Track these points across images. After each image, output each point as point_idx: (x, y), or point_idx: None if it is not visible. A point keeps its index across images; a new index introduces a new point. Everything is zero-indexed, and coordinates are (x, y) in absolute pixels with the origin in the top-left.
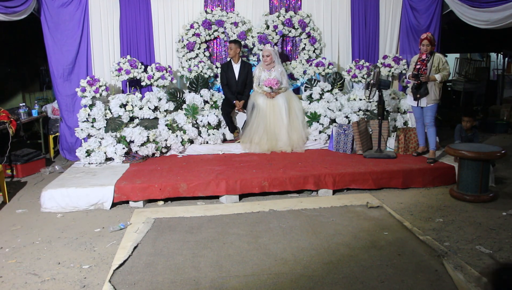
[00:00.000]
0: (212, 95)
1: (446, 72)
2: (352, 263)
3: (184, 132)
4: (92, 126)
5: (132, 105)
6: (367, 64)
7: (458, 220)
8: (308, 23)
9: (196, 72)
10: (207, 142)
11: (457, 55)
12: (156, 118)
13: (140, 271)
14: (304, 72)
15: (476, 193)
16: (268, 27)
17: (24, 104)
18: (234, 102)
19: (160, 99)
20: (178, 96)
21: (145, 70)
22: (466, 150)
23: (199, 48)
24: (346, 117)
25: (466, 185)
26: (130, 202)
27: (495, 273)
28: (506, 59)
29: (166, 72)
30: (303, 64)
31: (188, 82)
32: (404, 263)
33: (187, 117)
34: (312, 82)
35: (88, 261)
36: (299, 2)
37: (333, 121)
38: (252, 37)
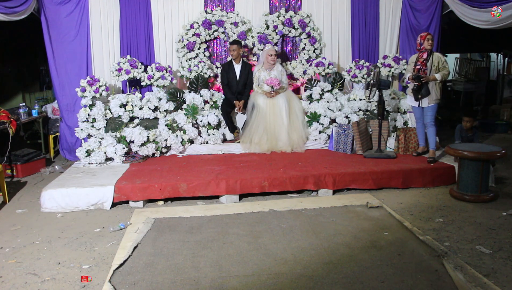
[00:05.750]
0: (212, 95)
1: (446, 71)
2: (352, 263)
3: (184, 132)
4: (92, 126)
5: (132, 105)
6: (367, 64)
7: (458, 220)
8: (308, 23)
9: (196, 72)
10: (207, 142)
11: (457, 55)
12: (156, 118)
13: (140, 271)
14: (304, 72)
15: (476, 193)
16: (268, 27)
17: (24, 104)
18: (234, 102)
19: (160, 99)
20: (178, 96)
21: (145, 70)
22: (466, 150)
23: (199, 48)
24: (346, 117)
25: (466, 185)
26: (130, 202)
27: None
28: (506, 59)
29: (166, 72)
30: (303, 64)
31: (188, 82)
32: (404, 263)
33: (187, 117)
34: (312, 82)
35: (88, 261)
36: (299, 2)
37: (333, 121)
38: (252, 37)
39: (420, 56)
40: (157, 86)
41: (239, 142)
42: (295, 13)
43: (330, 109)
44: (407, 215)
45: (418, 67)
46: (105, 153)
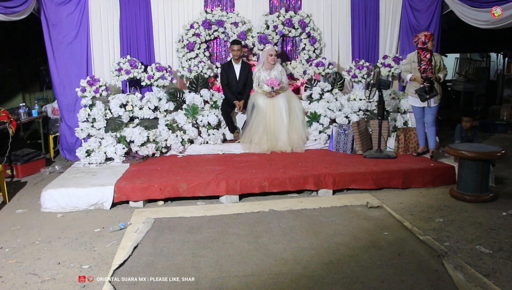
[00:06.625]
0: (212, 95)
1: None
2: (352, 263)
3: (184, 132)
4: (92, 126)
5: (132, 105)
6: (367, 64)
7: (458, 220)
8: (308, 23)
9: (196, 72)
10: (207, 142)
11: (457, 55)
12: (156, 118)
13: (140, 271)
14: (304, 72)
15: (476, 193)
16: (268, 27)
17: (24, 104)
18: (234, 102)
19: (160, 99)
20: (178, 96)
21: (145, 70)
22: (466, 150)
23: (199, 48)
24: (346, 117)
25: (466, 185)
26: (130, 202)
27: None
28: (506, 59)
29: (166, 72)
30: (303, 64)
31: (188, 82)
32: (404, 263)
33: (187, 117)
34: (312, 82)
35: (88, 261)
36: (299, 2)
37: (333, 121)
38: (252, 37)
39: (423, 56)
40: (157, 86)
41: (239, 142)
42: (295, 13)
43: (330, 109)
44: (407, 215)
45: (424, 66)
46: (105, 153)
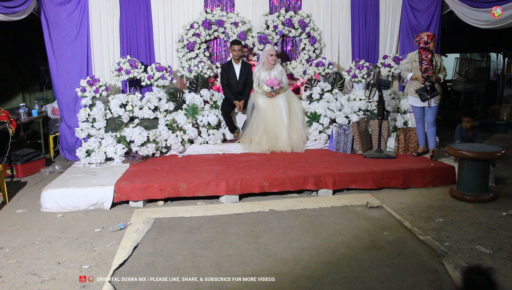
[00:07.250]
0: (212, 95)
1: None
2: (352, 263)
3: (184, 132)
4: (92, 126)
5: (132, 105)
6: (367, 64)
7: (458, 220)
8: (308, 23)
9: (196, 72)
10: (207, 142)
11: (457, 55)
12: (156, 118)
13: (140, 271)
14: (304, 72)
15: (476, 193)
16: (268, 27)
17: (24, 104)
18: (234, 102)
19: (160, 99)
20: (178, 96)
21: (145, 70)
22: (466, 150)
23: (199, 48)
24: (346, 117)
25: (466, 185)
26: (130, 202)
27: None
28: (506, 59)
29: (166, 72)
30: (303, 64)
31: (188, 82)
32: (404, 263)
33: (187, 117)
34: (312, 82)
35: (88, 261)
36: (299, 2)
37: (333, 121)
38: (252, 37)
39: (425, 56)
40: (157, 86)
41: (239, 142)
42: (295, 13)
43: (330, 109)
44: (407, 215)
45: (425, 66)
46: (105, 153)
